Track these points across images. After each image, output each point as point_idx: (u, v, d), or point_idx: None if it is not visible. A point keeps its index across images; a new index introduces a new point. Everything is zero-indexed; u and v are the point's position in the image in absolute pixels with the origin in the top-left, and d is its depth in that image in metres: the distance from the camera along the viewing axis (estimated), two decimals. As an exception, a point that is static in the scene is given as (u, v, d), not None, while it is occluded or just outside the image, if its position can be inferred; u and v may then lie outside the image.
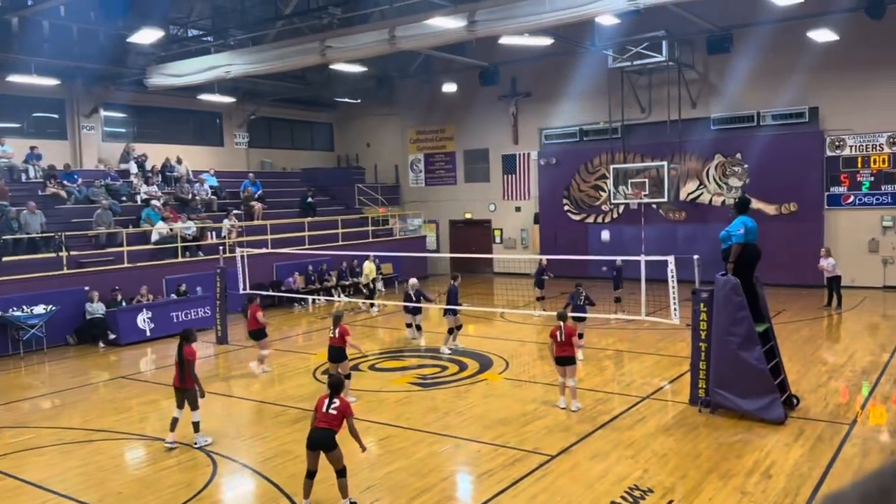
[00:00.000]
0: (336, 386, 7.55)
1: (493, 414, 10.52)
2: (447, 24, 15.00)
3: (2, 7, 15.52)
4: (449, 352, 14.58)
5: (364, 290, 23.08)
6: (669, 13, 17.32)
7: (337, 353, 11.29)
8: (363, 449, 7.60)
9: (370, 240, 25.54)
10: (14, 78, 19.26)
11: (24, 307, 15.75)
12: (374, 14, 17.20)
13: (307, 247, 22.82)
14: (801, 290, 20.22)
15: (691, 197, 23.65)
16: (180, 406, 9.49)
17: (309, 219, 24.51)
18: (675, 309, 11.41)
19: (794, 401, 10.26)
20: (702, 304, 10.17)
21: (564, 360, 10.55)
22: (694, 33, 20.44)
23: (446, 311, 14.84)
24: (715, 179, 23.31)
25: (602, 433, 9.53)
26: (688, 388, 10.63)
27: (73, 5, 17.19)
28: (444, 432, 9.76)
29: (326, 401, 7.39)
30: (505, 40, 18.28)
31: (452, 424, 10.11)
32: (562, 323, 10.66)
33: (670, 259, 11.17)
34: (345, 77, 24.46)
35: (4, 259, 16.16)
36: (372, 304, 20.11)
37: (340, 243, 24.08)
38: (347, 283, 23.27)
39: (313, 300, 21.77)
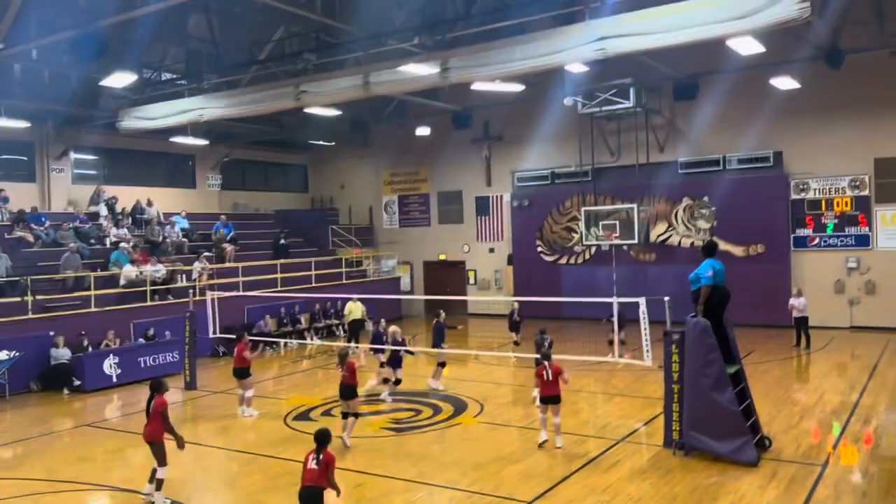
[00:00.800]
0: (322, 439, 7.24)
1: (468, 459, 10.42)
2: (421, 70, 15.24)
3: (-28, 50, 15.44)
4: (441, 388, 14.54)
5: (338, 332, 22.90)
6: (636, 61, 17.81)
7: (348, 390, 11.29)
8: (338, 493, 7.37)
9: (344, 281, 25.41)
10: (-18, 120, 19.09)
11: (-13, 353, 15.33)
12: (348, 60, 17.41)
13: (279, 289, 22.64)
14: (770, 331, 20.50)
15: (661, 239, 24.02)
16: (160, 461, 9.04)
17: (282, 261, 24.36)
18: (647, 350, 11.49)
19: (767, 442, 10.32)
20: (673, 346, 10.26)
21: (552, 398, 10.65)
22: (660, 80, 21.02)
23: (437, 346, 15.10)
24: (683, 221, 23.73)
25: (577, 477, 9.47)
26: (662, 431, 10.64)
27: (46, 48, 17.14)
28: (419, 479, 9.62)
29: (312, 455, 7.13)
30: (477, 86, 18.62)
31: (427, 471, 9.97)
32: (546, 363, 10.70)
33: (641, 300, 11.28)
34: (319, 120, 24.62)
35: (-33, 304, 15.78)
36: (349, 346, 19.85)
37: (314, 285, 23.91)
38: (320, 325, 23.05)
39: (285, 343, 21.51)
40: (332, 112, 22.05)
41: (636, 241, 23.08)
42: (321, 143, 29.77)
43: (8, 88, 18.75)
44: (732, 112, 22.01)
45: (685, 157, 23.46)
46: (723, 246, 21.53)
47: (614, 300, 12.35)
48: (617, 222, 23.35)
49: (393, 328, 15.18)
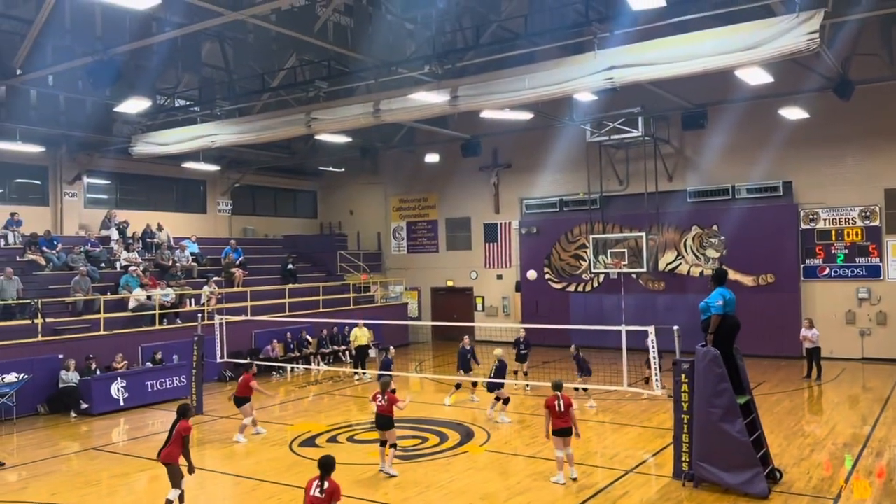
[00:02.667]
0: (326, 466, 7.06)
1: (475, 488, 10.31)
2: (430, 98, 15.39)
3: (-10, 75, 15.72)
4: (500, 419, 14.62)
5: (343, 358, 22.84)
6: (645, 91, 17.93)
7: (385, 420, 11.14)
8: None
9: (351, 307, 25.41)
10: (-2, 144, 19.36)
11: (-5, 375, 15.37)
12: (359, 88, 17.62)
13: (287, 314, 22.65)
14: (781, 362, 20.29)
15: (670, 267, 23.95)
16: (175, 484, 9.14)
17: (290, 286, 24.41)
18: (657, 380, 11.40)
19: (777, 474, 10.17)
20: (683, 376, 10.17)
21: (564, 431, 10.37)
22: (669, 110, 21.11)
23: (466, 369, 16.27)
24: (692, 250, 23.67)
25: (585, 508, 9.35)
26: (671, 461, 10.51)
27: (62, 75, 17.43)
28: (424, 508, 9.51)
29: (315, 483, 6.94)
30: (486, 114, 18.78)
31: (432, 500, 9.87)
32: (559, 393, 10.50)
33: (650, 329, 11.21)
34: (329, 147, 24.83)
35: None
36: (356, 372, 19.85)
37: (321, 310, 23.93)
38: (327, 350, 23.01)
39: (292, 368, 21.47)
40: (342, 139, 22.26)
41: (645, 269, 23.00)
42: (331, 169, 29.98)
43: (24, 113, 19.04)
44: (742, 141, 22.07)
45: (694, 185, 23.47)
46: (732, 275, 21.49)
47: (623, 328, 12.26)
48: (625, 250, 23.31)
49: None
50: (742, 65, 12.66)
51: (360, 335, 20.03)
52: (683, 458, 10.16)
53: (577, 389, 15.11)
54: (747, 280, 22.35)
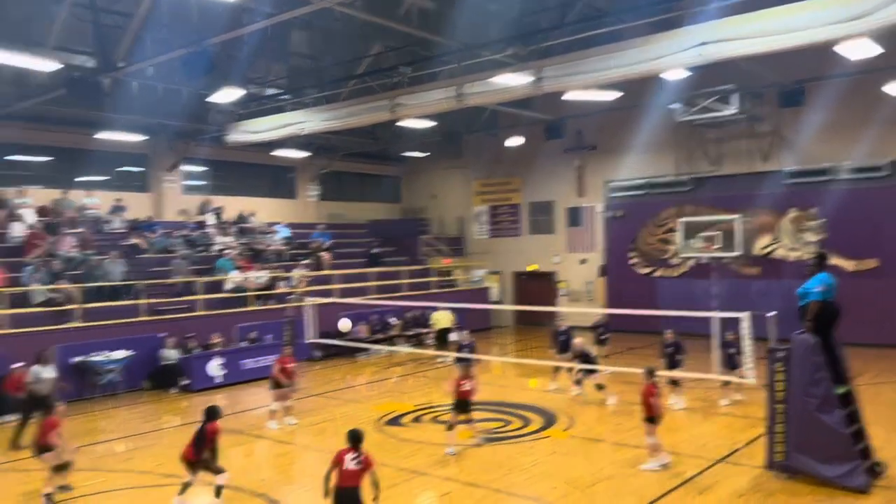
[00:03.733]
0: (358, 438, 7.28)
1: (558, 473, 10.28)
2: (514, 80, 15.26)
3: (95, 69, 16.64)
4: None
5: (427, 341, 23.10)
6: (739, 67, 17.16)
7: (466, 405, 11.45)
8: (376, 496, 7.22)
9: (434, 290, 25.67)
10: (103, 135, 20.51)
11: (104, 352, 16.41)
12: (442, 72, 17.66)
13: (372, 297, 23.12)
14: (884, 351, 19.18)
15: (765, 251, 22.98)
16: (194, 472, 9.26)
17: (374, 269, 24.89)
18: (750, 368, 11.02)
19: (878, 469, 9.65)
20: (778, 364, 9.79)
21: (657, 418, 10.39)
22: (765, 86, 20.17)
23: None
24: (789, 234, 22.62)
25: (672, 497, 9.17)
26: (763, 452, 10.16)
27: (160, 66, 18.27)
28: (508, 490, 9.57)
29: (347, 456, 7.06)
30: (571, 95, 18.46)
31: (516, 482, 9.90)
32: (655, 380, 10.51)
33: (744, 316, 10.85)
34: (413, 132, 25.06)
35: (87, 305, 16.93)
36: (438, 354, 20.05)
37: (404, 293, 24.29)
38: (410, 333, 23.36)
39: (377, 350, 21.93)
40: (426, 124, 22.41)
41: (738, 253, 22.19)
42: (414, 154, 30.26)
43: (126, 104, 20.07)
44: (843, 119, 20.82)
45: (791, 166, 22.37)
46: (833, 260, 20.39)
47: (714, 315, 11.90)
48: (717, 234, 22.51)
49: (578, 340, 15.14)
50: (845, 37, 11.92)
51: (442, 318, 20.22)
52: (777, 449, 9.79)
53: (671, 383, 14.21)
54: (849, 265, 21.17)
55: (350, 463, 6.98)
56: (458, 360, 15.58)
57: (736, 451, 11.16)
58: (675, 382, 14.09)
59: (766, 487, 9.38)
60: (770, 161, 22.75)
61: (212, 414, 9.41)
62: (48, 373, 13.34)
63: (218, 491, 9.20)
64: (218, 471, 9.27)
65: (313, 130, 19.84)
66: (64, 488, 9.82)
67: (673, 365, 14.04)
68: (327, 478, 7.19)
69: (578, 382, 14.99)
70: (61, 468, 9.76)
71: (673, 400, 13.95)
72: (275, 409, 13.54)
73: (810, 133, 21.65)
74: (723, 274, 23.32)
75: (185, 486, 9.20)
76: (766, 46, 12.18)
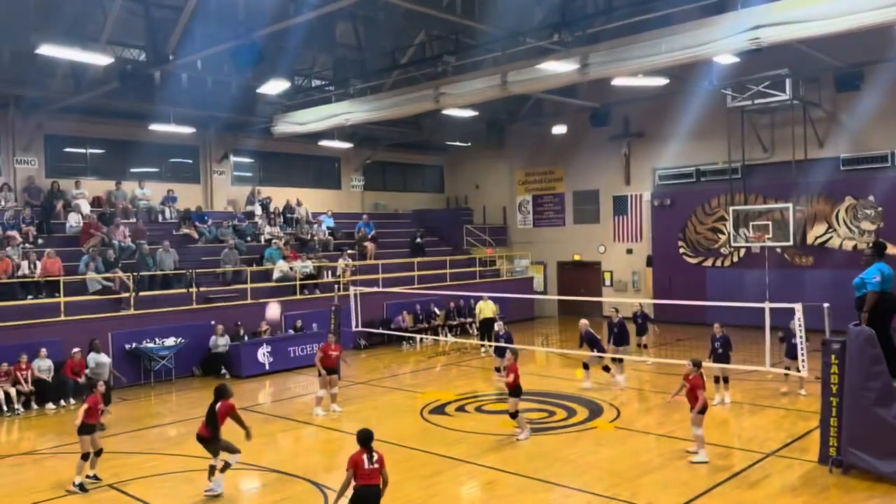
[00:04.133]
0: (369, 439, 7.21)
1: (604, 464, 10.19)
2: (559, 67, 15.06)
3: (146, 62, 17.01)
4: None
5: (470, 330, 23.12)
6: (793, 50, 16.65)
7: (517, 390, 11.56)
8: (384, 487, 7.24)
9: (477, 280, 25.65)
10: (155, 126, 21.00)
11: (157, 339, 16.86)
12: (486, 60, 17.55)
13: (416, 286, 23.22)
14: (948, 344, 18.44)
15: (819, 241, 22.30)
16: (215, 455, 9.45)
17: (418, 259, 25.00)
18: (803, 360, 10.75)
19: (941, 466, 9.31)
20: (833, 356, 9.52)
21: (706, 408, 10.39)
22: (820, 70, 19.54)
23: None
24: (845, 222, 21.91)
25: (721, 490, 9.01)
26: (817, 446, 9.90)
27: (209, 59, 18.57)
28: (553, 480, 9.53)
29: (365, 457, 7.09)
30: (618, 81, 18.15)
31: (561, 472, 9.86)
32: (701, 370, 10.43)
33: (797, 307, 10.57)
34: (456, 121, 25.02)
35: (141, 294, 17.41)
36: (482, 344, 20.05)
37: (448, 283, 24.35)
38: (455, 322, 23.41)
39: (421, 339, 22.04)
40: (469, 113, 22.33)
41: (791, 243, 21.59)
42: (457, 143, 30.23)
43: (177, 97, 20.50)
44: (904, 103, 20.04)
45: (847, 152, 21.63)
46: (891, 249, 19.69)
47: (766, 305, 11.61)
48: (769, 223, 21.95)
49: (583, 321, 15.41)
50: (907, 17, 11.42)
51: (485, 308, 20.19)
52: (831, 443, 9.54)
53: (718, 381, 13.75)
54: (908, 255, 20.42)
55: (368, 464, 7.06)
56: (497, 349, 15.67)
57: (787, 444, 10.90)
58: (725, 379, 13.62)
59: (819, 483, 9.15)
60: (825, 147, 22.05)
61: (221, 393, 9.59)
62: (103, 358, 13.79)
63: (225, 466, 9.42)
64: (233, 450, 9.48)
65: (358, 121, 19.95)
66: (94, 478, 9.95)
67: (720, 360, 13.43)
68: (346, 486, 7.14)
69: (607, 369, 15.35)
70: (96, 454, 9.98)
71: (717, 399, 13.37)
72: (321, 395, 13.70)
73: (868, 118, 20.90)
74: (775, 264, 22.75)
75: (213, 469, 9.41)
76: (824, 29, 11.75)
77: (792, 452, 10.54)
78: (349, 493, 7.08)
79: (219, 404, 9.43)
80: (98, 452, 10.01)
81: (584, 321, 15.36)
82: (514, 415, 11.56)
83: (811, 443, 10.45)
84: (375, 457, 7.11)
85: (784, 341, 13.44)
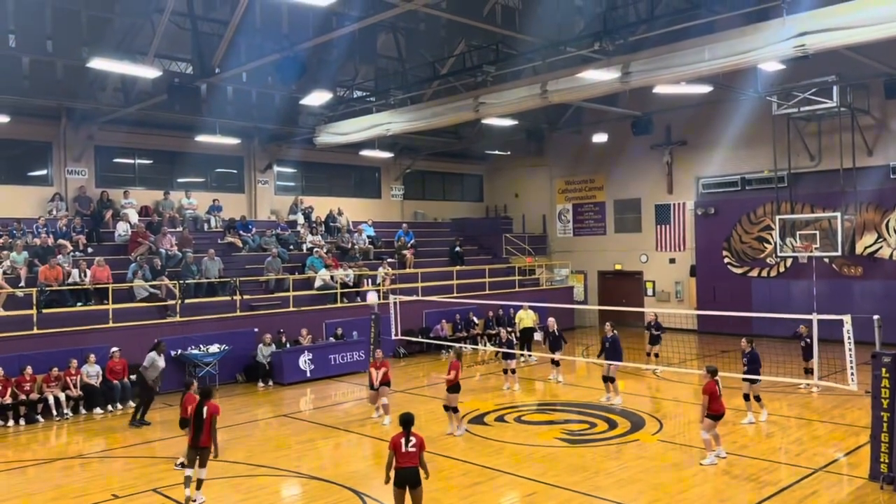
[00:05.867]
0: (410, 422, 7.71)
1: (646, 477, 10.05)
2: (600, 76, 14.98)
3: (193, 75, 17.43)
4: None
5: (511, 338, 23.00)
6: (840, 57, 16.27)
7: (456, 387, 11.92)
8: (426, 476, 7.72)
9: (517, 289, 25.57)
10: (201, 138, 21.48)
11: (201, 346, 17.19)
12: (526, 70, 17.55)
13: (455, 295, 23.24)
14: None
15: (868, 251, 21.68)
16: (193, 464, 9.26)
17: (457, 268, 25.03)
18: (852, 373, 10.47)
19: None
20: (883, 370, 9.25)
21: (721, 415, 10.61)
22: (869, 77, 19.04)
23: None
24: (895, 232, 21.29)
25: (768, 506, 8.81)
26: (867, 462, 9.62)
27: (254, 72, 18.97)
28: (594, 493, 9.43)
29: (403, 440, 7.57)
30: (660, 89, 17.95)
31: (602, 485, 9.75)
32: (717, 378, 10.64)
33: (846, 318, 10.32)
34: (496, 130, 25.03)
35: (186, 301, 17.79)
36: (521, 353, 19.94)
37: (487, 292, 24.32)
38: (494, 332, 23.33)
39: (460, 348, 21.98)
40: (509, 122, 22.33)
41: (839, 252, 21.07)
42: (497, 152, 30.23)
43: (222, 109, 20.94)
44: (959, 109, 19.42)
45: (898, 160, 21.05)
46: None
47: (814, 317, 11.35)
48: (817, 232, 21.46)
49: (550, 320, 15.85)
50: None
51: (525, 317, 20.10)
52: (882, 459, 9.26)
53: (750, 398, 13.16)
54: (965, 266, 19.73)
55: (406, 446, 7.54)
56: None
57: (836, 460, 10.62)
58: (756, 397, 12.98)
59: (869, 500, 8.88)
60: (875, 155, 21.47)
61: (208, 394, 9.56)
62: (160, 362, 14.19)
63: (199, 484, 9.27)
64: (204, 463, 9.27)
65: (398, 131, 20.11)
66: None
67: (748, 376, 12.78)
68: (389, 465, 7.67)
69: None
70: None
71: (746, 419, 12.83)
72: (385, 403, 13.62)
73: (920, 125, 20.33)
74: (823, 274, 22.19)
75: (200, 483, 9.33)
76: (872, 35, 11.47)
77: (841, 468, 10.26)
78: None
79: (205, 407, 9.32)
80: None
81: (608, 325, 15.25)
82: (453, 409, 12.23)
83: (861, 458, 10.15)
84: (413, 441, 7.56)
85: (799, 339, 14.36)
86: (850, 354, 10.51)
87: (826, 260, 21.96)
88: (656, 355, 17.86)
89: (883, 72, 18.18)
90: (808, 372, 14.42)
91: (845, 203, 21.47)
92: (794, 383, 14.81)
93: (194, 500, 9.23)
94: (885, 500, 8.87)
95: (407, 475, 7.48)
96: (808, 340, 13.97)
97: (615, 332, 15.05)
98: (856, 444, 11.12)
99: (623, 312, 22.66)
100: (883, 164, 21.27)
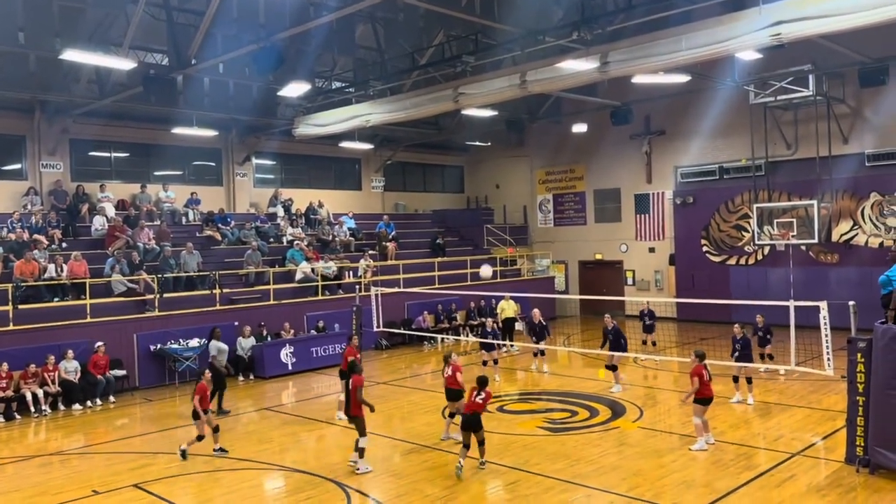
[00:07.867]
0: (484, 382, 10.00)
1: (626, 464, 10.14)
2: (579, 66, 15.00)
3: (169, 67, 17.19)
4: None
5: (495, 328, 23.07)
6: (816, 46, 16.44)
7: (453, 393, 11.53)
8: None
9: (498, 280, 25.61)
10: (178, 130, 21.23)
11: (181, 340, 17.05)
12: (505, 60, 17.53)
13: (437, 286, 23.25)
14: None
15: (844, 238, 22.00)
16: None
17: (438, 259, 25.02)
18: (828, 359, 10.63)
19: (973, 466, 9.15)
20: (859, 355, 9.39)
21: (709, 399, 10.67)
22: (844, 65, 19.24)
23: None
24: (871, 219, 21.58)
25: (746, 491, 8.93)
26: (843, 446, 9.78)
27: (231, 63, 18.74)
28: (575, 480, 9.50)
29: (475, 392, 9.82)
30: (638, 79, 18.04)
31: (583, 473, 9.82)
32: (704, 362, 10.70)
33: (822, 305, 10.46)
34: (476, 121, 25.01)
35: (165, 295, 17.61)
36: (503, 344, 20.00)
37: (468, 283, 24.35)
38: (475, 322, 23.40)
39: (442, 339, 22.06)
40: (488, 113, 22.31)
41: (816, 240, 21.35)
42: (477, 143, 30.22)
43: (199, 100, 20.70)
44: (931, 97, 19.71)
45: (873, 148, 21.32)
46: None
47: (791, 304, 11.49)
48: (794, 220, 21.72)
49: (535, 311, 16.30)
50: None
51: (507, 307, 20.15)
52: (858, 443, 9.42)
53: (738, 379, 13.69)
54: (937, 252, 20.07)
55: (476, 397, 9.77)
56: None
57: (813, 444, 10.78)
58: (748, 379, 13.48)
59: (846, 483, 9.03)
60: (850, 143, 21.75)
61: (352, 368, 10.78)
62: (224, 346, 14.39)
63: (360, 451, 10.23)
64: (363, 431, 10.26)
65: (378, 122, 19.99)
66: (221, 451, 11.19)
67: (742, 360, 13.30)
68: (459, 408, 10.30)
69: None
70: (214, 430, 11.21)
71: (735, 398, 13.36)
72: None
73: (893, 113, 20.62)
74: (800, 262, 22.48)
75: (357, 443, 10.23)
76: (847, 24, 11.57)
77: (818, 452, 10.43)
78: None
79: (350, 380, 10.49)
80: (215, 429, 11.25)
81: (608, 316, 15.29)
82: (451, 415, 12.18)
83: (838, 442, 10.32)
84: (483, 395, 9.82)
85: (756, 334, 14.67)
86: (827, 340, 10.67)
87: (803, 247, 22.25)
88: (654, 343, 18.08)
89: (857, 60, 18.38)
90: (764, 358, 15.04)
91: (821, 191, 21.75)
92: (773, 369, 15.03)
93: (355, 465, 10.15)
94: (861, 482, 9.02)
95: (472, 420, 9.64)
96: (761, 334, 14.89)
97: (615, 322, 15.24)
98: (832, 429, 11.30)
99: (605, 302, 22.79)
100: (858, 152, 21.56)
